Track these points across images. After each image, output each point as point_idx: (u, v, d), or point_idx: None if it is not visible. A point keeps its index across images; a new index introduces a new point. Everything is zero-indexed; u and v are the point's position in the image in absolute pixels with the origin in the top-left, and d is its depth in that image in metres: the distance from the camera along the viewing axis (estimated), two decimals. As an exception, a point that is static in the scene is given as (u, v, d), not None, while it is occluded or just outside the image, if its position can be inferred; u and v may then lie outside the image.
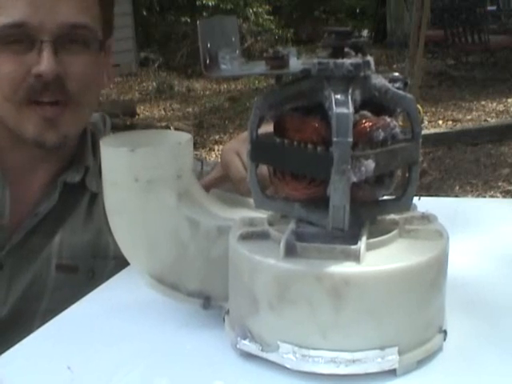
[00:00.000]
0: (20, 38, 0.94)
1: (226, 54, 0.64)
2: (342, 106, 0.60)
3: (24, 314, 1.04)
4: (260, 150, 0.68)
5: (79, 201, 1.09)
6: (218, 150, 5.49)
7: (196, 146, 5.75)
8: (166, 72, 9.32)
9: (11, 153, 1.04)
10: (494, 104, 6.58)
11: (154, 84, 8.56)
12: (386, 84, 0.65)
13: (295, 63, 0.63)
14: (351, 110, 0.60)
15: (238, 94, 7.95)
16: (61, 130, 1.00)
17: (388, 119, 0.65)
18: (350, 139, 0.60)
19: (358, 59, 0.63)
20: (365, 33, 12.20)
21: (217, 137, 6.11)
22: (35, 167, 1.06)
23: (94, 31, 1.00)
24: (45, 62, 0.94)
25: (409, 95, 0.65)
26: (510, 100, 6.64)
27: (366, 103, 0.64)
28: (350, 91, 0.61)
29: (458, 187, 4.34)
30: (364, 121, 0.64)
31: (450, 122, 6.02)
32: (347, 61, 0.62)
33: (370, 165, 0.62)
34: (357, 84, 0.62)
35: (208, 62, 0.62)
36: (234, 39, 0.67)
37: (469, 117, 6.17)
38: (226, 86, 8.49)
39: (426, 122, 5.88)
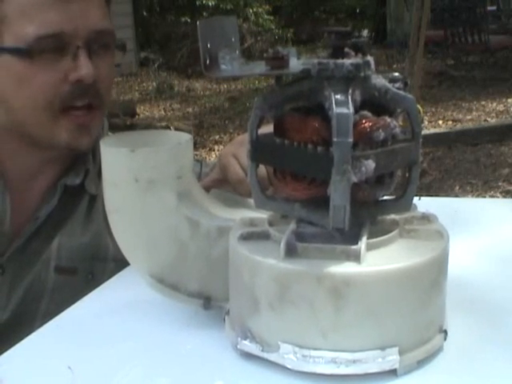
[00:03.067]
0: (54, 46, 0.95)
1: (225, 54, 0.64)
2: (342, 106, 0.61)
3: (24, 317, 1.04)
4: (260, 150, 0.68)
5: (78, 203, 1.09)
6: (218, 150, 5.48)
7: (196, 146, 5.75)
8: (166, 72, 9.32)
9: (13, 159, 1.04)
10: (494, 104, 6.57)
11: (154, 84, 8.56)
12: (385, 84, 0.65)
13: (295, 63, 0.63)
14: (351, 110, 0.61)
15: (238, 94, 7.95)
16: (93, 134, 1.01)
17: (388, 119, 0.65)
18: (351, 139, 0.60)
19: (358, 59, 0.63)
20: (365, 33, 12.20)
21: (217, 137, 6.11)
22: (37, 173, 1.06)
23: (114, 34, 1.02)
24: (84, 67, 0.95)
25: (409, 95, 0.65)
26: (510, 100, 6.64)
27: (366, 103, 0.64)
28: (350, 91, 0.62)
29: (458, 187, 4.34)
30: (364, 121, 0.64)
31: (450, 122, 6.01)
32: (347, 61, 0.62)
33: (370, 165, 0.62)
34: (357, 84, 0.63)
35: (208, 62, 0.63)
36: (233, 39, 0.67)
37: (469, 117, 6.16)
38: (226, 86, 8.49)
39: (426, 123, 5.88)
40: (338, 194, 0.61)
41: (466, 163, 4.85)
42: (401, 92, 0.65)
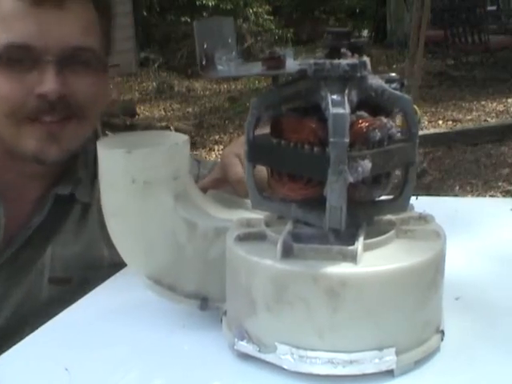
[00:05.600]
0: (22, 58, 0.93)
1: (222, 54, 0.64)
2: (338, 106, 0.60)
3: (18, 328, 1.02)
4: (257, 150, 0.68)
5: (70, 212, 1.07)
6: (218, 150, 5.48)
7: (196, 145, 5.75)
8: (166, 72, 9.32)
9: (4, 168, 1.02)
10: (494, 104, 6.57)
11: (154, 84, 8.57)
12: (382, 84, 0.65)
13: (292, 64, 0.64)
14: (348, 110, 0.60)
15: (238, 94, 7.95)
16: (63, 144, 0.98)
17: (384, 120, 0.65)
18: (347, 139, 0.60)
19: (354, 60, 0.63)
20: (365, 33, 12.21)
21: (217, 137, 6.11)
22: (28, 182, 1.04)
23: (96, 53, 0.98)
24: (48, 82, 0.92)
25: (405, 96, 0.65)
26: (510, 100, 6.64)
27: (363, 104, 0.64)
28: (347, 92, 0.62)
29: (457, 187, 4.34)
30: (360, 121, 0.64)
31: (450, 122, 6.01)
32: (343, 61, 0.62)
33: (366, 165, 0.62)
34: (353, 84, 0.62)
35: (204, 62, 0.62)
36: (230, 40, 0.67)
37: (469, 117, 6.16)
38: (226, 86, 8.49)
39: (426, 123, 5.87)
40: (335, 194, 0.61)
41: (466, 163, 4.85)
42: (397, 92, 0.65)
